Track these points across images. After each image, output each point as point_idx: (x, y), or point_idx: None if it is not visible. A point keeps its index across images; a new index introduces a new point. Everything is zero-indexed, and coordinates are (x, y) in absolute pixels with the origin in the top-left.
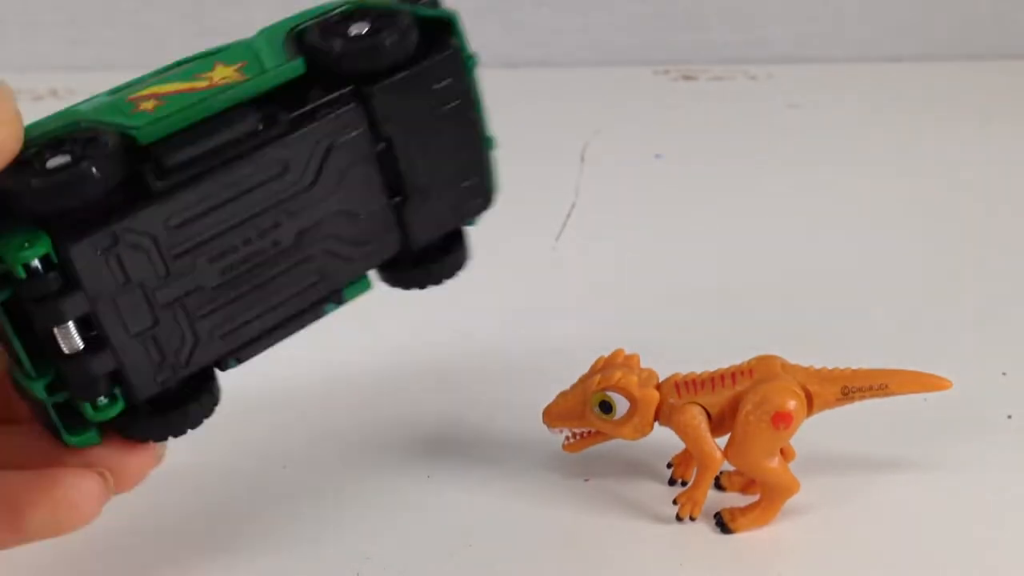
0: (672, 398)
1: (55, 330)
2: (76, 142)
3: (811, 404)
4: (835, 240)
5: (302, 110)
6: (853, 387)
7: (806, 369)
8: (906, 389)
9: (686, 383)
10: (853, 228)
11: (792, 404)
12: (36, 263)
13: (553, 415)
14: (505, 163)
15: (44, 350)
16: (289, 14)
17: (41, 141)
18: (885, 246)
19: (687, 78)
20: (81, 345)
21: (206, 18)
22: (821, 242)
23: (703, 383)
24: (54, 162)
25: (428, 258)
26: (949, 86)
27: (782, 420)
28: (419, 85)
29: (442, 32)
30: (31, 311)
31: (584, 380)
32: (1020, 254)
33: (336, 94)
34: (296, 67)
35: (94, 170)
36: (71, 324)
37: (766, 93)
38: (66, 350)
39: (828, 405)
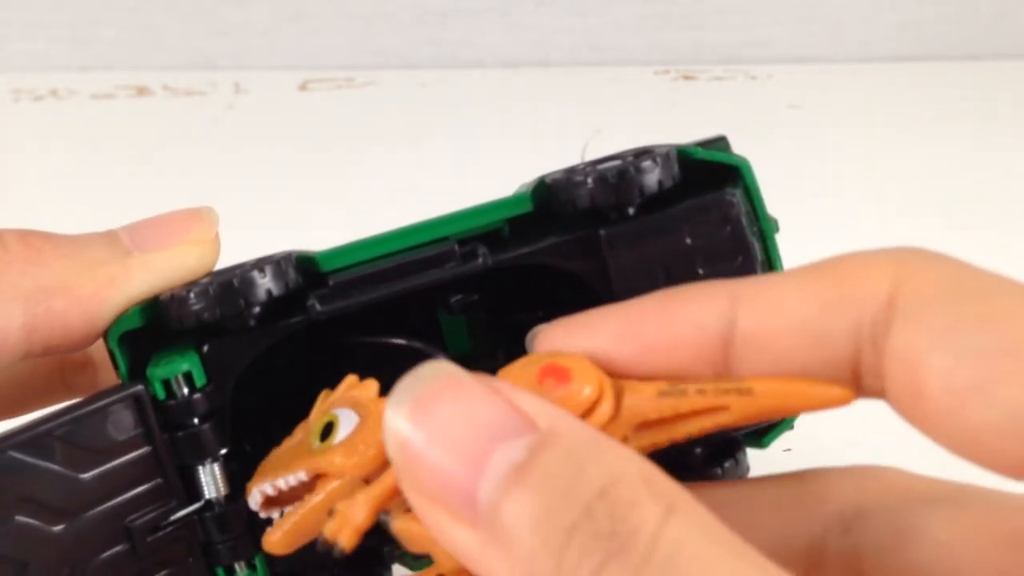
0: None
1: (197, 471)
2: (264, 263)
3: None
4: (834, 240)
5: (513, 252)
6: (676, 388)
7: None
8: (784, 400)
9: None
10: (852, 228)
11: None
12: (177, 382)
13: (262, 471)
14: (505, 163)
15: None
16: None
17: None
18: (884, 246)
19: (687, 78)
20: (223, 489)
21: (206, 18)
22: (820, 242)
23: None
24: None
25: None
26: (949, 86)
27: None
28: (667, 234)
29: (723, 179)
30: (174, 445)
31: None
32: (1020, 254)
33: (556, 238)
34: (518, 202)
35: (259, 281)
36: (216, 468)
37: (766, 93)
38: (206, 491)
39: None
